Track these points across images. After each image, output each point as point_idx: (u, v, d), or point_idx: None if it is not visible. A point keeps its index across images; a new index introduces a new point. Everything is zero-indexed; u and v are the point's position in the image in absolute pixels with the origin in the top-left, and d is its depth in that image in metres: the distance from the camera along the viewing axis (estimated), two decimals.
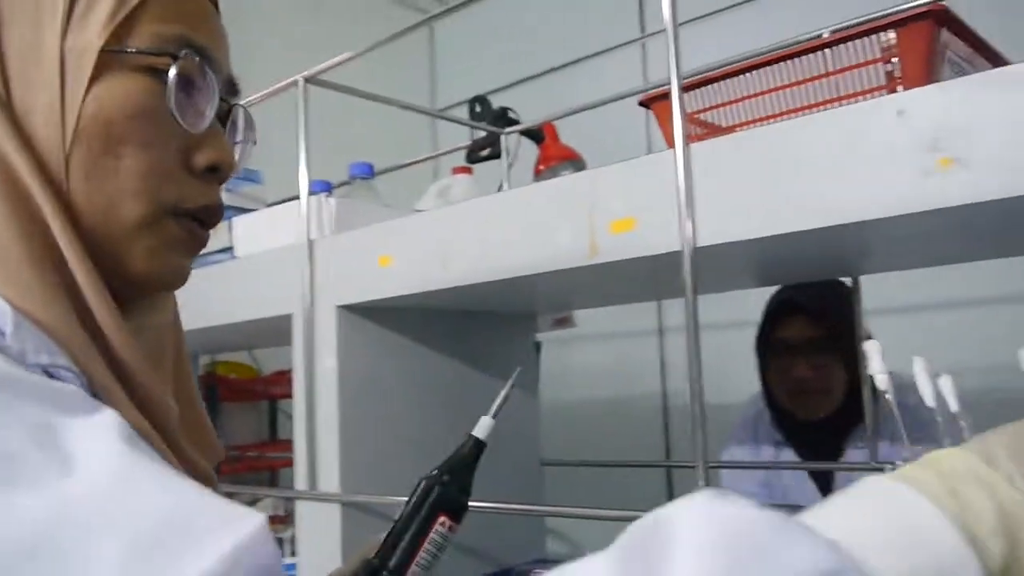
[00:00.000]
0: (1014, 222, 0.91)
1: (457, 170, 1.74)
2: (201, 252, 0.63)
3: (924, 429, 0.73)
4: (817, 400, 1.54)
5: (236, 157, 0.65)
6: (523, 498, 1.61)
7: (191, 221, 0.59)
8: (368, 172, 1.69)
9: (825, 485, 1.52)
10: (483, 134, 1.89)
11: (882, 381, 0.63)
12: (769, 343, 1.57)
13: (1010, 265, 1.37)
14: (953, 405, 0.62)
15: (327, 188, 1.65)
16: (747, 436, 1.65)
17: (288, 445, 1.53)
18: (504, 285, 1.18)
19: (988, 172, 0.78)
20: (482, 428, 0.75)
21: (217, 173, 0.60)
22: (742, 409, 1.74)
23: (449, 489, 0.70)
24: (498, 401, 0.77)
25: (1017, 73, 0.78)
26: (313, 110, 1.39)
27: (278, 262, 1.43)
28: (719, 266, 1.10)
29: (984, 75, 0.82)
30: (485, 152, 1.86)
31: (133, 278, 0.58)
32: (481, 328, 1.57)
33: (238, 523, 0.41)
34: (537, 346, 1.78)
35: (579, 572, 0.40)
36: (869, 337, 1.38)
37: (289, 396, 1.52)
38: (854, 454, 1.53)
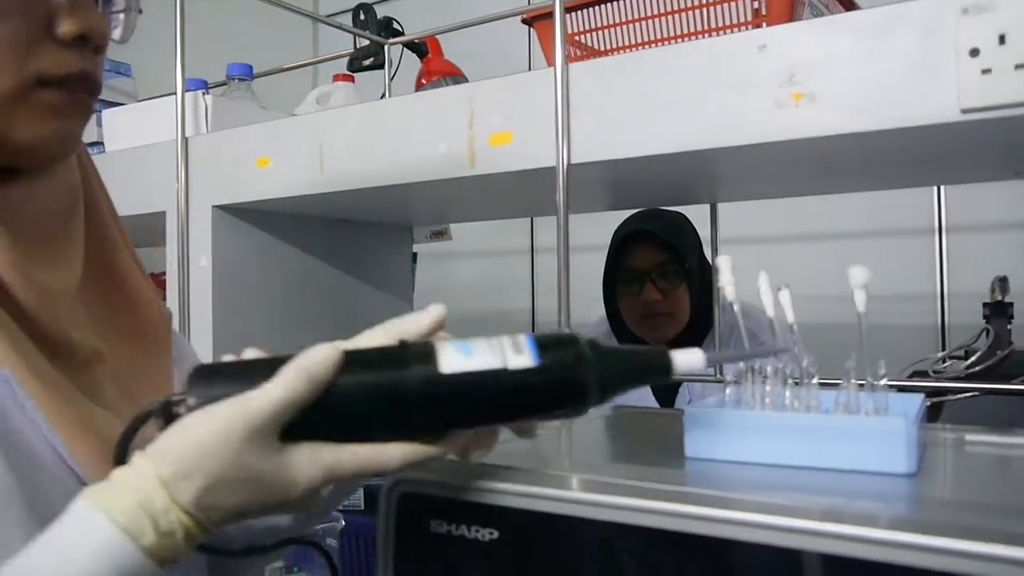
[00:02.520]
0: (857, 158, 0.99)
1: (338, 77, 1.70)
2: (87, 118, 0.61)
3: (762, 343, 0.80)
4: (665, 323, 1.62)
5: (115, 27, 0.62)
6: None
7: (64, 89, 0.57)
8: (247, 73, 1.63)
9: (668, 401, 1.62)
10: (366, 43, 1.85)
11: (730, 292, 0.68)
12: (619, 270, 1.63)
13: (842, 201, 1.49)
14: (790, 316, 0.67)
15: (203, 87, 1.58)
16: None
17: None
18: (381, 193, 1.19)
19: (835, 108, 0.84)
20: (686, 360, 0.54)
21: (87, 42, 0.57)
22: (590, 329, 1.81)
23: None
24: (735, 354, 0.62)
25: (866, 17, 0.83)
26: (192, 7, 1.33)
27: (151, 159, 1.38)
28: (589, 185, 1.13)
29: (839, 17, 0.87)
30: (368, 62, 1.83)
31: (19, 150, 0.56)
32: (359, 237, 1.57)
33: None
34: (413, 257, 1.79)
35: None
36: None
37: (162, 298, 1.48)
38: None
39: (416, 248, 1.79)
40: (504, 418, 0.53)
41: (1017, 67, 0.75)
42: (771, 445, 0.58)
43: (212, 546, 0.53)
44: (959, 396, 1.16)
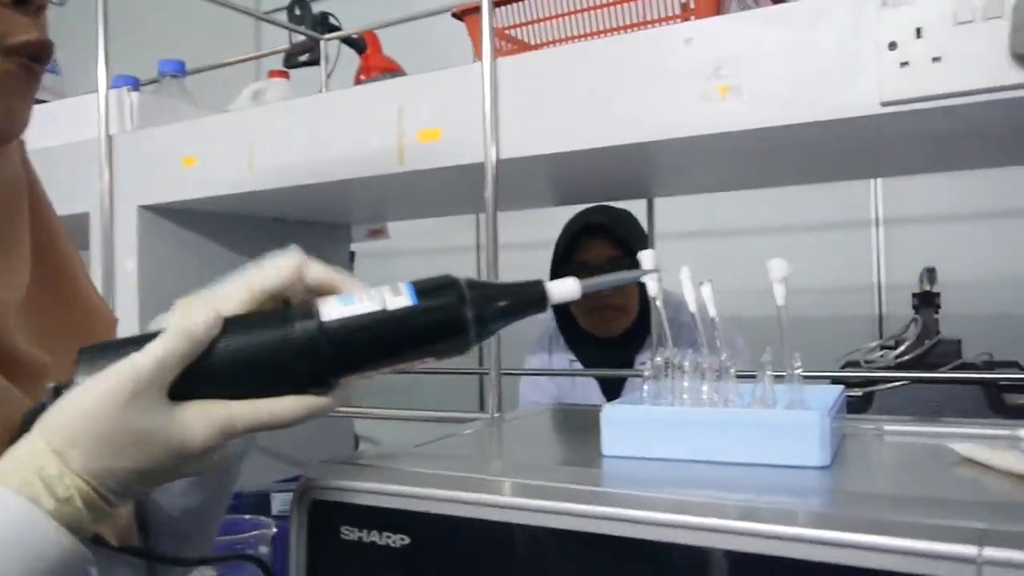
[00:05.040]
0: (785, 151, 0.99)
1: (273, 73, 1.67)
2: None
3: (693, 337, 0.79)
4: (616, 316, 1.63)
5: None
6: None
7: (20, 57, 0.53)
8: (179, 69, 1.59)
9: (615, 394, 1.62)
10: (303, 38, 1.82)
11: (652, 288, 0.67)
12: (570, 264, 1.62)
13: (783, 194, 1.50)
14: (712, 311, 0.66)
15: (133, 84, 1.54)
16: (542, 352, 1.73)
17: None
18: (311, 191, 1.16)
19: (760, 101, 0.83)
20: (560, 289, 0.54)
21: (28, 2, 0.53)
22: (538, 325, 1.81)
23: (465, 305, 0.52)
24: (618, 277, 0.60)
25: (791, 11, 0.83)
26: (132, 4, 1.29)
27: (74, 157, 1.33)
28: (522, 180, 1.12)
29: (764, 11, 0.87)
30: (304, 57, 1.79)
31: None
32: (294, 236, 1.51)
33: None
34: (351, 256, 1.76)
35: None
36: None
37: None
38: (643, 359, 1.65)
39: (354, 247, 1.77)
40: (390, 359, 0.53)
41: (934, 60, 0.75)
42: (686, 441, 0.58)
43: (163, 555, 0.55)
44: (889, 386, 1.17)
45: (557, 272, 1.67)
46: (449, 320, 0.52)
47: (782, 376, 0.60)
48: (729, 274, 1.28)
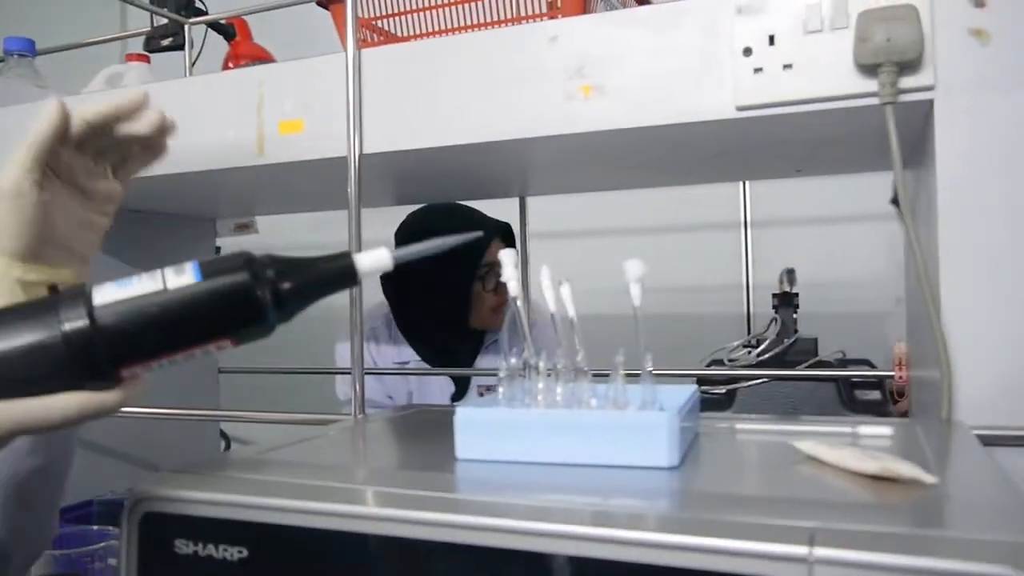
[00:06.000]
0: (649, 152, 1.00)
1: (131, 57, 1.58)
2: None
3: (544, 332, 0.79)
4: (502, 315, 1.64)
5: None
6: (199, 404, 1.55)
7: None
8: (28, 49, 1.48)
9: (461, 387, 1.67)
10: (166, 21, 1.73)
11: (513, 287, 0.66)
12: (477, 267, 1.61)
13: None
14: (570, 310, 0.66)
15: None
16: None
17: None
18: (172, 182, 1.10)
19: (621, 102, 0.84)
20: (370, 259, 0.52)
21: None
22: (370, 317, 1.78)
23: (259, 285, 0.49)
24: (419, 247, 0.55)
25: (654, 12, 0.84)
26: None
27: None
28: (388, 177, 1.10)
29: (628, 12, 0.88)
30: (167, 41, 1.71)
31: None
32: (155, 230, 1.46)
33: None
34: (216, 251, 1.69)
35: None
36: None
37: None
38: (483, 360, 1.70)
39: (220, 242, 1.70)
40: (175, 347, 0.48)
41: (785, 67, 0.77)
42: (540, 443, 0.57)
43: None
44: (749, 383, 1.21)
45: (465, 273, 1.63)
46: (239, 299, 0.48)
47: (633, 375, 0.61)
48: (601, 274, 1.30)
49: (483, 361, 1.70)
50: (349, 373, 1.00)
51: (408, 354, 1.69)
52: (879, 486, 0.49)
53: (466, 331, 1.68)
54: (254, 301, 0.48)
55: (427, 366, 1.68)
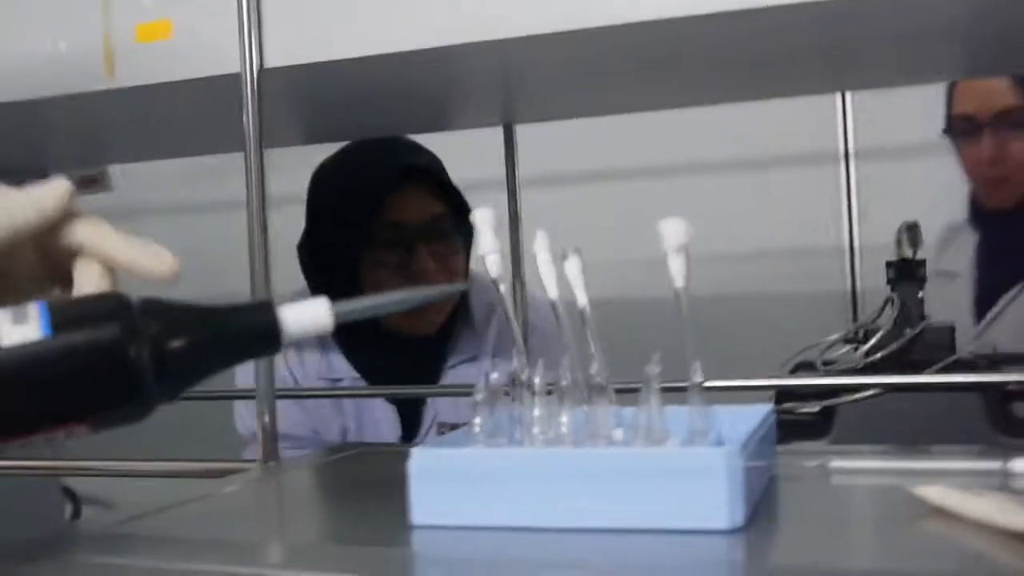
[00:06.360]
0: (688, 53, 1.00)
1: None
2: None
3: (546, 341, 0.78)
4: (438, 307, 1.60)
5: None
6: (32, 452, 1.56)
7: None
8: None
9: (413, 418, 1.62)
10: None
11: (493, 264, 0.66)
12: (378, 225, 1.58)
13: None
14: (581, 297, 0.66)
15: None
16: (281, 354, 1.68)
17: None
18: None
19: None
20: (303, 316, 0.53)
21: None
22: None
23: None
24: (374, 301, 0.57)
25: None
26: None
27: None
28: (301, 101, 1.10)
29: None
30: None
31: None
32: None
33: None
34: None
35: None
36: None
37: None
38: (456, 373, 1.64)
39: None
40: (9, 431, 0.48)
41: None
42: (533, 499, 0.57)
43: None
44: (854, 397, 1.21)
45: (352, 237, 1.62)
46: (104, 363, 0.48)
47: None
48: (627, 238, 1.30)
49: (454, 375, 1.66)
50: (253, 397, 1.00)
51: (342, 368, 1.66)
52: None
53: (388, 337, 1.64)
54: (130, 369, 0.48)
55: (365, 385, 1.66)
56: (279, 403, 1.52)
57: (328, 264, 1.62)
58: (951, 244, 1.75)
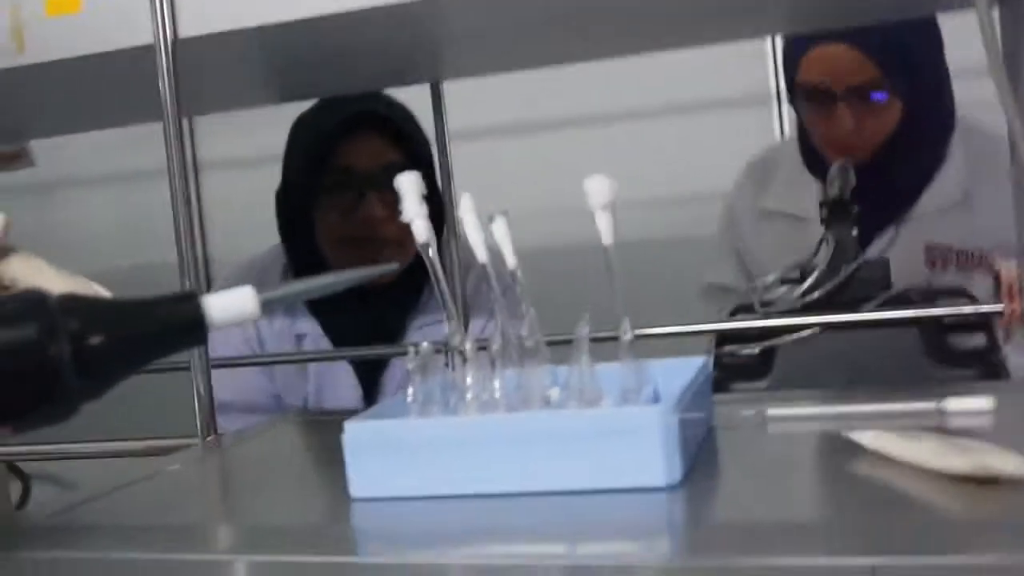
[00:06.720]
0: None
1: None
2: None
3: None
4: (388, 253, 1.58)
5: None
6: None
7: None
8: None
9: (373, 380, 1.62)
10: None
11: (420, 229, 0.66)
12: (329, 173, 1.57)
13: None
14: (509, 258, 0.66)
15: None
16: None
17: None
18: None
19: None
20: (228, 304, 0.53)
21: None
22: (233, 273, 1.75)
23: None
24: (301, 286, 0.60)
25: None
26: None
27: None
28: (218, 68, 1.09)
29: None
30: None
31: None
32: None
33: None
34: None
35: None
36: None
37: None
38: (422, 335, 1.61)
39: None
40: None
41: None
42: (469, 467, 0.57)
43: None
44: (792, 336, 1.22)
45: (304, 183, 1.61)
46: (23, 365, 0.48)
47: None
48: (557, 188, 1.29)
49: (416, 335, 1.64)
50: (187, 369, 0.99)
51: (306, 325, 1.64)
52: (971, 493, 0.50)
53: (352, 290, 1.61)
54: (44, 367, 0.48)
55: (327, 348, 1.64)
56: (243, 371, 1.53)
57: (288, 208, 1.65)
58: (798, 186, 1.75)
